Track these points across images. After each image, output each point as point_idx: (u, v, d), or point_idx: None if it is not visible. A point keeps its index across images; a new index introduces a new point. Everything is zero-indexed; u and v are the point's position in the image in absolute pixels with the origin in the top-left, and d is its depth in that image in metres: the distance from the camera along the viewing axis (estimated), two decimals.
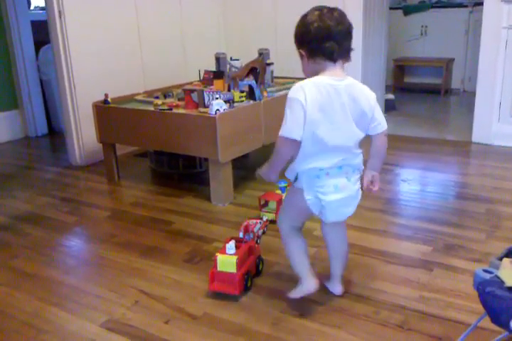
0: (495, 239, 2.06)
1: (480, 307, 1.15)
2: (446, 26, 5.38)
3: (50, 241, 2.20)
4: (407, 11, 5.59)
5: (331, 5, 1.48)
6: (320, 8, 1.45)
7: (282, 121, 1.44)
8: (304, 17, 1.46)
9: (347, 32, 1.44)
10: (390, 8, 4.44)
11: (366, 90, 1.51)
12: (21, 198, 2.73)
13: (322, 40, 1.41)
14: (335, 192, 1.49)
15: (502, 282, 1.13)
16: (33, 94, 3.97)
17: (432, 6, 5.54)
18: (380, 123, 1.53)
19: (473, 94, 3.50)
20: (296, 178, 1.54)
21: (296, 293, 1.62)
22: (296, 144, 1.45)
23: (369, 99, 1.49)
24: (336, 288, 1.70)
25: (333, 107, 1.43)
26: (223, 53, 3.11)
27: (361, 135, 1.51)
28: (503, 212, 2.31)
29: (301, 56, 1.49)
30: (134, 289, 1.78)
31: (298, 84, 1.44)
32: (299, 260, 1.63)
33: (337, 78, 1.44)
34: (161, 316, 1.62)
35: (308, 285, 1.59)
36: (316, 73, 1.46)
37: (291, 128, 1.43)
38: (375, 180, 1.58)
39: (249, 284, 1.73)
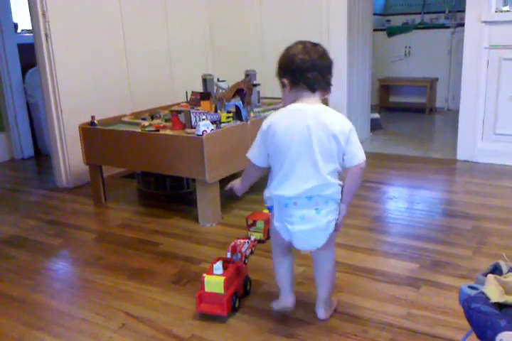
0: (481, 255, 2.07)
1: (467, 324, 1.15)
2: (429, 47, 5.48)
3: (35, 264, 2.18)
4: (391, 32, 5.70)
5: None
6: (304, 42, 1.51)
7: None
8: (289, 49, 1.51)
9: (328, 66, 1.51)
10: (374, 30, 4.53)
11: (341, 117, 1.50)
12: (7, 221, 2.70)
13: (306, 71, 1.46)
14: (301, 223, 1.49)
15: (487, 298, 1.13)
16: (19, 116, 3.98)
17: (415, 27, 5.66)
18: (356, 155, 1.48)
19: (457, 112, 3.55)
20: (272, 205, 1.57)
21: (275, 305, 1.69)
22: (257, 168, 1.58)
23: (343, 125, 1.47)
24: (318, 311, 1.66)
25: (299, 133, 1.45)
26: (210, 75, 3.15)
27: (332, 164, 1.47)
28: (488, 229, 2.33)
29: (284, 85, 1.53)
30: (120, 312, 1.76)
31: (272, 114, 1.56)
32: (279, 277, 1.68)
33: (308, 104, 1.48)
34: (149, 339, 1.60)
35: (283, 301, 1.66)
36: (294, 102, 1.51)
37: (252, 152, 1.58)
38: (340, 216, 1.54)
39: (237, 305, 1.71)
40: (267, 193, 1.56)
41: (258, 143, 1.55)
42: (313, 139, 1.44)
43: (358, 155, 1.48)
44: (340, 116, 1.50)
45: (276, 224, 1.55)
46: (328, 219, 1.49)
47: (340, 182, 1.50)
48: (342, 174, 1.51)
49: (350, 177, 1.50)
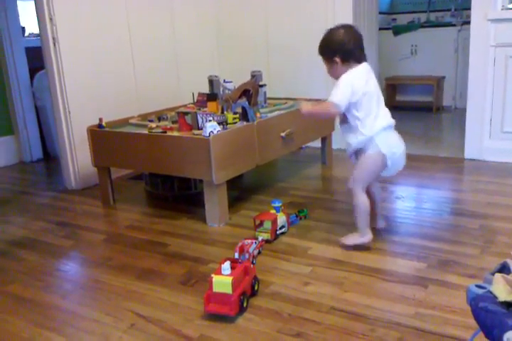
0: (489, 254, 2.07)
1: (475, 323, 1.15)
2: (435, 45, 5.47)
3: (46, 265, 2.20)
4: (397, 31, 5.69)
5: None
6: (343, 26, 2.04)
7: (333, 90, 2.01)
8: (333, 35, 2.03)
9: (362, 42, 2.06)
10: (380, 29, 4.53)
11: None
12: (16, 223, 2.73)
13: (354, 49, 2.02)
14: (399, 147, 2.08)
15: (495, 297, 1.14)
16: (28, 119, 4.01)
17: (421, 26, 5.64)
18: None
19: (464, 110, 3.54)
20: (360, 148, 2.08)
21: (350, 241, 2.14)
22: (336, 112, 2.05)
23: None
24: (380, 222, 2.30)
25: (372, 80, 2.05)
26: (216, 76, 3.16)
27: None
28: (496, 227, 2.33)
29: (334, 62, 2.03)
30: (130, 312, 1.78)
31: (349, 73, 2.01)
32: (362, 218, 2.10)
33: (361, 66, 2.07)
34: (158, 339, 1.61)
35: (366, 237, 2.12)
36: (345, 72, 2.02)
37: (339, 99, 1.98)
38: None
39: (245, 305, 1.72)
40: (366, 137, 2.03)
41: (345, 93, 1.97)
42: (377, 85, 2.06)
43: None
44: None
45: (384, 152, 2.03)
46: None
47: None
48: None
49: None
